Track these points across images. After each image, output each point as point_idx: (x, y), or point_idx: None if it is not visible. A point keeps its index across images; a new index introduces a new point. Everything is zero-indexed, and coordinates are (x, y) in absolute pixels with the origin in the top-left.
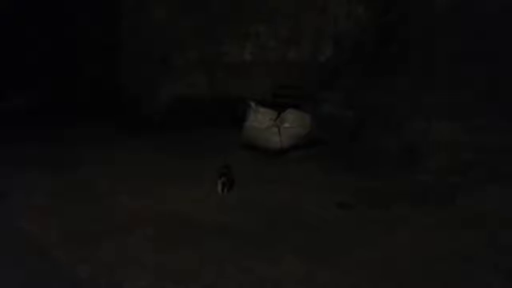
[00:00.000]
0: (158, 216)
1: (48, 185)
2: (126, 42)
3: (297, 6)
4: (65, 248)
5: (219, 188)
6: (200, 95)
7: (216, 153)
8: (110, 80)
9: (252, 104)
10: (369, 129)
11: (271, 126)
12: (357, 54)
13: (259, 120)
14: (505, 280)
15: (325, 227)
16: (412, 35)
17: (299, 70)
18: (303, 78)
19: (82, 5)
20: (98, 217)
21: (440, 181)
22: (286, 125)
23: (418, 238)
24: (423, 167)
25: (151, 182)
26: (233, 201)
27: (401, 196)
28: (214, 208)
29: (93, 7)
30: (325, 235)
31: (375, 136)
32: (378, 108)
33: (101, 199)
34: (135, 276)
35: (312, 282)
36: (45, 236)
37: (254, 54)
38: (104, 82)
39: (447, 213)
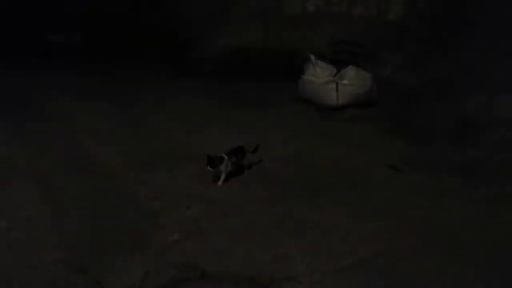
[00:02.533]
0: (199, 154)
1: (111, 116)
2: None
3: None
4: (124, 171)
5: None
6: (257, 45)
7: (269, 104)
8: (167, 25)
9: (312, 57)
10: (428, 97)
11: (329, 82)
12: (427, 17)
13: (317, 74)
14: None
15: (372, 185)
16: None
17: (364, 27)
18: (367, 35)
19: None
20: (155, 148)
21: (493, 157)
22: (345, 82)
23: (466, 209)
24: (479, 141)
25: (202, 125)
26: (284, 153)
27: (452, 168)
28: (259, 156)
29: None
30: (371, 192)
31: (433, 105)
32: (440, 77)
33: (156, 133)
34: (184, 203)
35: (350, 232)
36: (108, 159)
37: (318, 6)
38: (161, 28)
39: (498, 189)
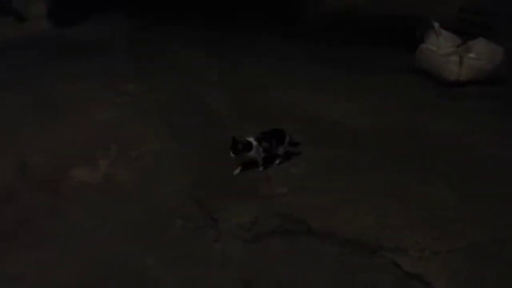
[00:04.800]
0: (304, 116)
1: (226, 73)
2: None
3: None
4: (232, 119)
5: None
6: (374, 9)
7: (380, 72)
8: None
9: (436, 25)
10: None
11: (452, 54)
12: None
13: (440, 44)
14: None
15: (484, 167)
16: None
17: None
18: (499, 4)
19: None
20: (262, 104)
21: None
22: (471, 55)
23: None
24: None
25: (305, 88)
26: (393, 124)
27: None
28: (368, 124)
29: None
30: (485, 175)
31: None
32: None
33: (259, 90)
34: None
35: (461, 212)
36: (220, 108)
37: None
38: None
39: None
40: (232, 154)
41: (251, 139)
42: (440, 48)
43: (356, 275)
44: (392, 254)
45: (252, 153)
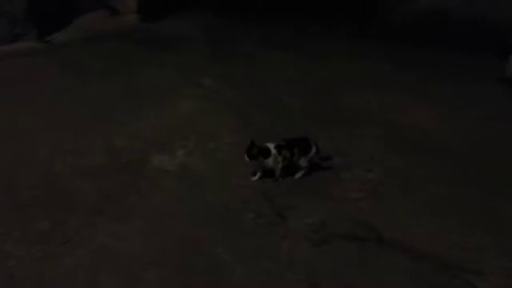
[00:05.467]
0: (382, 120)
1: (301, 67)
2: None
3: None
4: (306, 118)
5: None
6: (464, 10)
7: (466, 78)
8: None
9: None
10: None
11: None
12: None
13: None
14: None
15: None
16: None
17: None
18: None
19: None
20: (339, 106)
21: None
22: None
23: None
24: None
25: (384, 91)
26: (476, 134)
27: None
28: (450, 132)
29: None
30: None
31: None
32: None
33: (336, 91)
34: (365, 165)
35: None
36: (295, 106)
37: None
38: None
39: None
40: (246, 158)
41: (271, 146)
42: None
43: None
44: (473, 277)
45: (269, 161)
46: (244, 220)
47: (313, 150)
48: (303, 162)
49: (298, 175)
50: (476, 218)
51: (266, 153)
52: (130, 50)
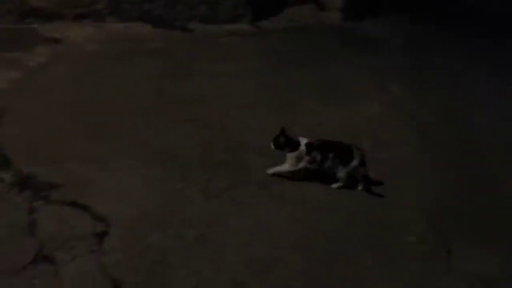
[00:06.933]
0: None
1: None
2: None
3: None
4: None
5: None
6: None
7: None
8: None
9: None
10: None
11: None
12: None
13: None
14: None
15: None
16: None
17: None
18: None
19: None
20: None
21: None
22: None
23: None
24: None
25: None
26: None
27: None
28: None
29: None
30: None
31: None
32: None
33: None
34: None
35: None
36: (483, 132)
37: None
38: None
39: None
40: (271, 146)
41: (303, 141)
42: None
43: None
44: None
45: (293, 156)
46: (403, 241)
47: (355, 161)
48: (340, 172)
49: (334, 185)
50: None
51: (293, 145)
52: (327, 45)
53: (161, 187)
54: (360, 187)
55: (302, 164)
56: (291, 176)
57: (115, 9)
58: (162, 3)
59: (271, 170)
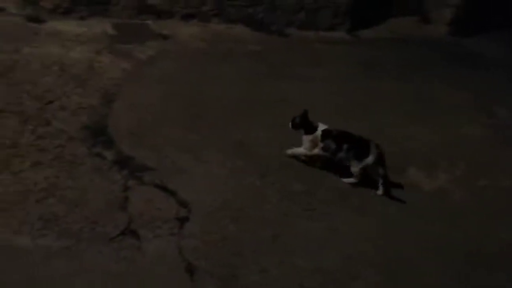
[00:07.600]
0: None
1: None
2: None
3: None
4: None
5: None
6: None
7: None
8: None
9: None
10: None
11: None
12: None
13: None
14: None
15: None
16: None
17: None
18: None
19: None
20: None
21: None
22: None
23: None
24: None
25: None
26: None
27: None
28: None
29: None
30: None
31: None
32: None
33: None
34: None
35: None
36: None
37: None
38: None
39: None
40: (290, 126)
41: (321, 126)
42: None
43: None
44: None
45: (308, 139)
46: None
47: (370, 158)
48: (355, 166)
49: (346, 180)
50: None
51: (309, 128)
52: (428, 59)
53: (241, 182)
54: (379, 192)
55: (316, 150)
56: (308, 161)
57: (220, 11)
58: (264, 8)
59: (289, 151)
